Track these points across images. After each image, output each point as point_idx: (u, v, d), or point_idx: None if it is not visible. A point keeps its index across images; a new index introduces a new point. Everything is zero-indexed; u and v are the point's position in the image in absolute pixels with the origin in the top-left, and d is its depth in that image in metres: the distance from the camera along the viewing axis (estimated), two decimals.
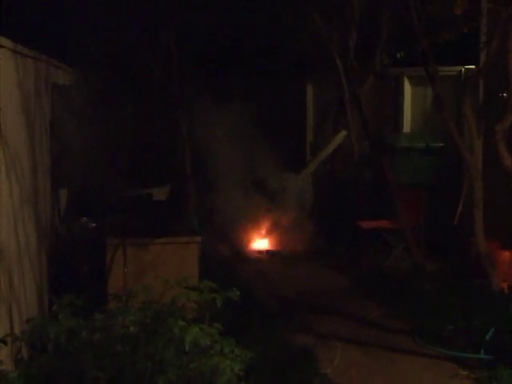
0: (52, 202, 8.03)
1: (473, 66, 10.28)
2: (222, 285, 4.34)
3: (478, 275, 8.45)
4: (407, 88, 11.90)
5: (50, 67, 7.92)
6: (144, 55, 10.52)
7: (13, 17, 7.43)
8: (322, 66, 11.61)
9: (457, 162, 10.02)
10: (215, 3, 10.65)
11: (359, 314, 8.17)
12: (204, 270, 7.53)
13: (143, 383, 3.86)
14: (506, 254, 8.88)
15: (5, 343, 4.06)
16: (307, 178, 11.74)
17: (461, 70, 11.12)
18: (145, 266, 7.37)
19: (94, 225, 8.47)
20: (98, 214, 8.53)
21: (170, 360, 3.87)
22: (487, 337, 6.91)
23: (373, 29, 11.09)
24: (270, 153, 11.10)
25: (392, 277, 9.37)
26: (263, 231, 11.52)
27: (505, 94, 8.19)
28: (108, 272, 7.42)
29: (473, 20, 9.07)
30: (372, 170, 11.30)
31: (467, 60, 10.63)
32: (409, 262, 9.47)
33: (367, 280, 9.45)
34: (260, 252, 11.25)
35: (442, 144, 10.95)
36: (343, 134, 11.80)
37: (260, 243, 11.45)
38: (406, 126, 11.93)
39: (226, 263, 10.26)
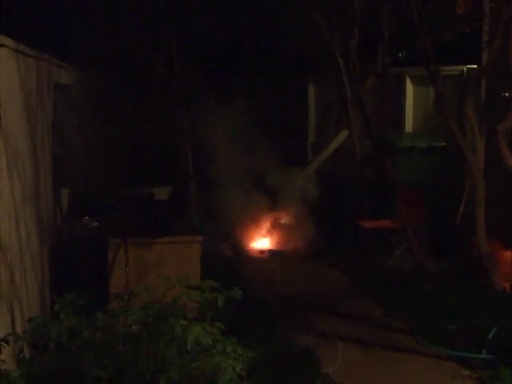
0: (54, 201, 8.03)
1: (475, 66, 10.27)
2: (223, 284, 4.34)
3: (480, 275, 8.46)
4: (409, 87, 11.90)
5: (51, 66, 7.92)
6: (145, 55, 10.52)
7: (14, 16, 7.44)
8: (323, 65, 11.61)
9: (459, 162, 9.99)
10: (215, 3, 10.65)
11: (360, 313, 8.17)
12: (206, 270, 7.53)
13: (145, 382, 3.85)
14: (508, 253, 8.87)
15: (7, 342, 4.06)
16: (310, 177, 11.73)
17: (463, 70, 11.10)
18: (146, 266, 7.37)
19: (95, 224, 8.47)
20: (99, 213, 8.52)
21: (172, 359, 3.86)
22: (489, 336, 6.91)
23: (374, 28, 11.09)
24: (272, 152, 11.11)
25: (394, 276, 9.37)
26: (264, 231, 11.52)
27: (507, 94, 8.19)
28: (110, 271, 7.42)
29: (475, 19, 9.09)
30: (374, 170, 11.29)
31: (469, 59, 10.62)
32: (410, 261, 9.45)
33: (369, 280, 9.44)
34: (261, 251, 11.25)
35: (443, 143, 10.94)
36: (345, 133, 11.80)
37: (261, 242, 11.45)
38: (408, 126, 11.93)
39: (228, 262, 10.26)
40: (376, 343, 7.26)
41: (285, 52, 11.59)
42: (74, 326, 3.98)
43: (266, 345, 6.66)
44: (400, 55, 12.45)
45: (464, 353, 6.81)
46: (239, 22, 11.24)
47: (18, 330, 5.29)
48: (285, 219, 11.51)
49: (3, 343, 4.04)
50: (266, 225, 11.51)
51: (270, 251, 11.23)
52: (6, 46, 5.53)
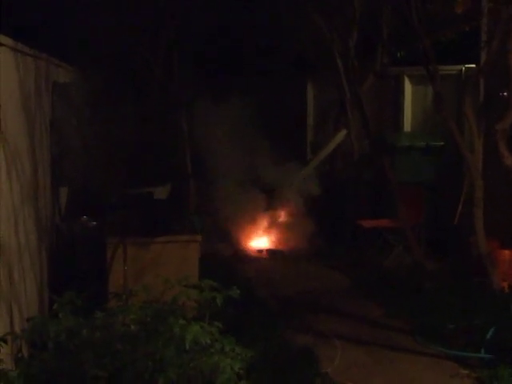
0: (52, 201, 8.02)
1: (473, 65, 10.28)
2: (222, 284, 4.34)
3: (479, 274, 8.46)
4: (407, 87, 11.90)
5: (50, 65, 7.92)
6: (145, 55, 10.52)
7: (13, 15, 7.43)
8: (322, 65, 11.61)
9: (457, 161, 10.02)
10: (215, 3, 10.65)
11: (360, 313, 8.17)
12: (204, 269, 7.53)
13: (143, 382, 3.85)
14: (506, 253, 8.88)
15: (5, 342, 4.05)
16: (310, 175, 11.73)
17: (461, 69, 11.11)
18: (145, 265, 7.37)
19: (94, 223, 8.47)
20: (98, 212, 8.52)
21: (171, 359, 3.86)
22: (488, 336, 6.91)
23: (373, 28, 11.09)
24: (271, 152, 11.13)
25: (392, 276, 9.37)
26: (263, 230, 11.52)
27: (505, 93, 8.20)
28: (108, 271, 7.41)
29: (473, 19, 9.07)
30: (372, 169, 11.29)
31: (468, 59, 10.63)
32: (409, 261, 9.45)
33: (367, 279, 9.44)
34: (260, 251, 11.25)
35: (442, 143, 10.94)
36: (343, 133, 11.80)
37: (260, 242, 11.45)
38: (407, 125, 11.93)
39: (227, 262, 10.26)
40: (375, 343, 7.26)
41: (284, 52, 11.59)
42: (72, 326, 3.98)
43: (264, 344, 6.66)
44: (399, 55, 12.44)
45: (463, 352, 6.81)
46: (239, 22, 11.23)
47: (17, 329, 5.29)
48: (283, 218, 11.52)
49: (2, 342, 4.03)
50: (264, 224, 11.52)
51: (268, 251, 11.24)
52: (4, 45, 5.53)
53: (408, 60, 11.80)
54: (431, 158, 11.06)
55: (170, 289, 4.26)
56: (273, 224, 11.52)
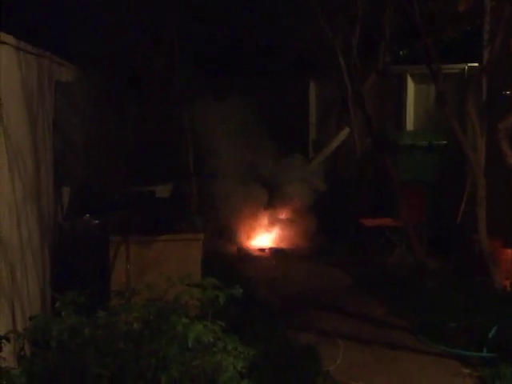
0: (55, 199, 8.02)
1: (476, 64, 10.27)
2: (224, 282, 4.34)
3: (481, 273, 8.46)
4: (410, 86, 11.90)
5: (52, 64, 7.91)
6: (146, 53, 10.52)
7: (16, 14, 7.43)
8: (324, 63, 11.60)
9: (460, 160, 10.01)
10: (215, 3, 10.64)
11: (362, 311, 8.17)
12: (206, 268, 7.53)
13: (146, 380, 3.85)
14: (509, 251, 8.88)
15: (8, 340, 4.06)
16: (315, 172, 11.72)
17: (464, 68, 11.12)
18: (147, 263, 7.38)
19: (96, 222, 8.47)
20: (100, 210, 8.52)
21: (173, 357, 3.86)
22: (490, 335, 6.92)
23: (376, 26, 11.08)
24: (274, 150, 11.14)
25: (394, 275, 9.37)
26: (266, 229, 11.53)
27: (508, 92, 8.20)
28: (111, 269, 7.42)
29: (476, 17, 9.06)
30: (375, 168, 11.29)
31: (470, 58, 10.62)
32: (411, 259, 9.45)
33: (370, 278, 9.44)
34: (262, 249, 11.25)
35: (444, 142, 10.94)
36: (346, 131, 11.80)
37: (262, 240, 11.45)
38: (409, 124, 11.93)
39: (228, 261, 10.27)
40: (377, 341, 7.26)
41: (285, 52, 11.58)
42: (75, 324, 3.98)
43: (266, 343, 6.66)
44: (401, 53, 12.43)
45: (465, 351, 6.81)
46: (239, 22, 11.22)
47: (19, 328, 5.29)
48: (285, 216, 11.51)
49: (4, 341, 4.04)
50: (266, 222, 11.52)
51: (270, 249, 11.24)
52: (7, 44, 5.54)
53: (410, 58, 11.79)
54: (433, 157, 11.06)
55: (173, 287, 4.25)
56: (275, 222, 11.52)
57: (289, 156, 11.48)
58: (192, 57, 10.84)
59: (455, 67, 11.05)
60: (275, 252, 11.13)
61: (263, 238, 11.49)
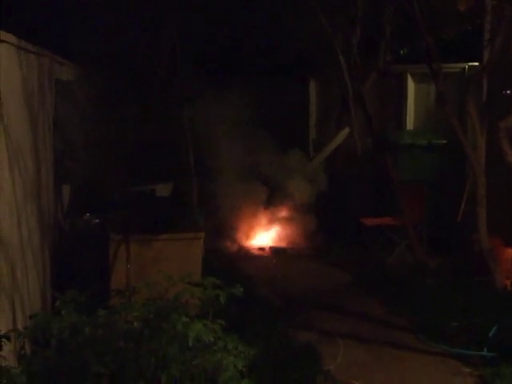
0: (55, 197, 8.03)
1: (476, 63, 10.27)
2: (225, 281, 4.34)
3: (481, 272, 8.46)
4: (410, 85, 11.89)
5: (53, 63, 7.91)
6: (146, 51, 10.51)
7: (16, 12, 7.43)
8: (324, 63, 11.59)
9: (460, 159, 10.01)
10: (215, 3, 10.64)
11: (362, 310, 8.17)
12: (207, 267, 7.53)
13: (146, 379, 3.85)
14: (509, 250, 8.88)
15: (8, 339, 4.06)
16: (315, 173, 11.74)
17: (464, 67, 11.10)
18: (148, 262, 7.37)
19: (97, 221, 8.47)
20: (101, 209, 8.52)
21: (174, 356, 3.86)
22: (490, 334, 6.92)
23: (376, 25, 11.07)
24: (274, 150, 11.14)
25: (395, 274, 9.37)
26: (265, 228, 11.53)
27: (508, 92, 8.19)
28: (111, 268, 7.42)
29: (477, 17, 9.06)
30: (375, 167, 11.29)
31: (471, 57, 10.62)
32: (411, 259, 9.45)
33: (370, 277, 9.44)
34: (262, 248, 11.25)
35: (445, 141, 10.93)
36: (346, 131, 11.80)
37: (262, 239, 11.45)
38: (409, 123, 11.92)
39: (229, 259, 10.27)
40: (377, 341, 7.26)
41: (285, 52, 11.58)
42: (75, 323, 3.98)
43: (267, 342, 6.66)
44: (402, 52, 12.42)
45: (465, 350, 6.81)
46: (239, 22, 11.22)
47: (20, 327, 5.29)
48: (286, 214, 11.51)
49: (4, 339, 4.04)
50: (266, 221, 11.52)
51: (271, 248, 11.24)
52: (7, 42, 5.54)
53: (411, 58, 11.79)
54: (434, 156, 11.05)
55: (173, 286, 4.25)
56: (275, 221, 11.53)
57: (289, 151, 11.50)
58: (192, 57, 10.84)
59: (456, 66, 11.04)
60: (275, 251, 11.13)
61: (263, 236, 11.49)
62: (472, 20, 9.35)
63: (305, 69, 12.35)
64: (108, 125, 9.24)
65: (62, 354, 3.94)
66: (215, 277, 4.35)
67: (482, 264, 8.35)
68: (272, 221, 11.52)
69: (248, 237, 11.38)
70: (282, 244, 11.33)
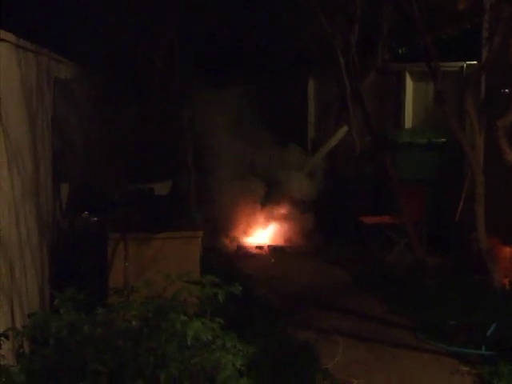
0: (53, 196, 8.02)
1: (475, 62, 10.26)
2: (223, 280, 4.34)
3: (480, 271, 8.46)
4: (409, 83, 11.89)
5: (51, 61, 7.91)
6: (146, 50, 10.51)
7: (15, 11, 7.42)
8: (323, 61, 11.59)
9: (458, 158, 10.01)
10: (215, 3, 10.64)
11: (361, 309, 8.17)
12: (205, 265, 7.53)
13: (145, 377, 3.85)
14: (508, 249, 8.88)
15: (7, 337, 4.06)
16: (313, 172, 11.74)
17: (463, 66, 11.10)
18: (146, 261, 7.36)
19: (95, 219, 8.47)
20: (99, 208, 8.52)
21: (172, 355, 3.86)
22: (488, 333, 6.92)
23: (374, 24, 11.07)
24: (272, 148, 11.14)
25: (394, 272, 9.37)
26: (264, 226, 11.53)
27: (506, 90, 8.19)
28: (109, 266, 7.41)
29: (475, 16, 9.06)
30: (373, 166, 11.29)
31: (469, 56, 10.62)
32: (410, 257, 9.45)
33: (369, 275, 9.45)
34: (261, 247, 11.25)
35: (443, 139, 10.93)
36: (345, 129, 11.80)
37: (261, 238, 11.45)
38: (408, 122, 11.92)
39: (227, 258, 10.27)
40: (376, 339, 7.26)
41: (285, 51, 11.58)
42: (73, 322, 3.98)
43: (265, 340, 6.66)
44: (400, 51, 12.43)
45: (463, 349, 6.82)
46: (239, 22, 11.22)
47: (18, 325, 5.29)
48: (284, 213, 11.51)
49: (3, 338, 4.04)
50: (265, 220, 11.52)
51: (269, 246, 11.24)
52: (6, 41, 5.53)
53: (409, 56, 11.80)
54: (432, 155, 11.05)
55: (172, 285, 4.25)
56: (273, 220, 11.52)
57: (288, 146, 11.52)
58: (192, 57, 10.83)
59: (454, 65, 11.03)
60: (274, 250, 11.13)
61: (262, 235, 11.49)
62: (470, 19, 9.36)
63: (303, 68, 12.34)
64: (107, 124, 9.23)
65: (60, 353, 3.94)
66: (214, 275, 4.35)
67: (480, 263, 8.35)
68: (270, 219, 11.52)
69: (246, 235, 11.37)
70: (281, 242, 11.32)
